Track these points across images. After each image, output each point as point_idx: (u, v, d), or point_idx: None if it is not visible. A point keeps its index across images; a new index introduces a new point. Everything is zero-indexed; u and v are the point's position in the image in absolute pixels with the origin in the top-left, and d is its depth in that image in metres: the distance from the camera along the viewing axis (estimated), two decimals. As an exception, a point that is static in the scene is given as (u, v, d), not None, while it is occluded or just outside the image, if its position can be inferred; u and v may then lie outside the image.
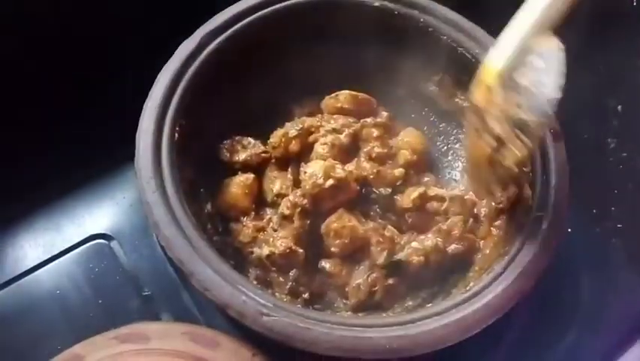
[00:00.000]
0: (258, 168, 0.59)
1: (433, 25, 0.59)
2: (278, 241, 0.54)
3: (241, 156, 0.59)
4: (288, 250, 0.53)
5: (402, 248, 0.55)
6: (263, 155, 0.59)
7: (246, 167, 0.59)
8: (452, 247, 0.55)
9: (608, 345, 0.61)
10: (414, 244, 0.55)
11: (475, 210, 0.58)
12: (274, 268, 0.53)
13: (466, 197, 0.58)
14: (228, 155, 0.59)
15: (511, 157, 0.46)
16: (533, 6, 0.44)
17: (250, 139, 0.60)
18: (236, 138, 0.60)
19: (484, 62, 0.46)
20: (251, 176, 0.58)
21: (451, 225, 0.56)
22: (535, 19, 0.44)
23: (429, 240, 0.55)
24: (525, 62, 0.44)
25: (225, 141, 0.59)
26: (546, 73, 0.43)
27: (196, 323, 0.58)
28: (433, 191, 0.58)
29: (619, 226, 0.65)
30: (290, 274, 0.54)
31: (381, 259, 0.53)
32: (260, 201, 0.59)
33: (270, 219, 0.57)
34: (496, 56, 0.45)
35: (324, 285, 0.55)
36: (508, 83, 0.44)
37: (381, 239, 0.54)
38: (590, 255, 0.65)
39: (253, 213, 0.57)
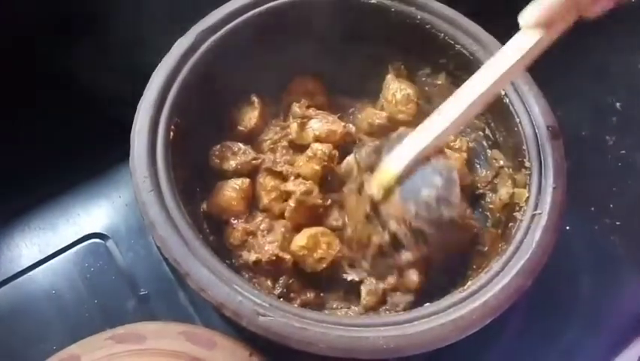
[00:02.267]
0: (248, 175, 0.58)
1: (430, 22, 0.59)
2: (265, 246, 0.53)
3: (231, 164, 0.57)
4: (274, 257, 0.53)
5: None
6: (253, 162, 0.58)
7: (237, 174, 0.58)
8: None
9: (606, 343, 0.61)
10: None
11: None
12: (262, 276, 0.53)
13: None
14: (218, 162, 0.58)
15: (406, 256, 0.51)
16: (434, 122, 0.49)
17: (240, 144, 0.58)
18: (226, 143, 0.58)
19: (383, 166, 0.51)
20: (247, 180, 0.57)
21: None
22: (435, 135, 0.49)
23: None
24: (424, 178, 0.49)
25: (214, 148, 0.58)
26: (445, 190, 0.49)
27: (193, 322, 0.57)
28: None
29: (617, 223, 0.65)
30: (280, 280, 0.53)
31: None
32: (254, 206, 0.58)
33: (260, 223, 0.56)
34: (395, 161, 0.50)
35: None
36: (406, 195, 0.49)
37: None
38: (588, 253, 0.65)
39: (245, 215, 0.57)
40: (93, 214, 0.64)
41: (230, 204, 0.56)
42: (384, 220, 0.51)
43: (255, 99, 0.60)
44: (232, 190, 0.56)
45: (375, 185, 0.51)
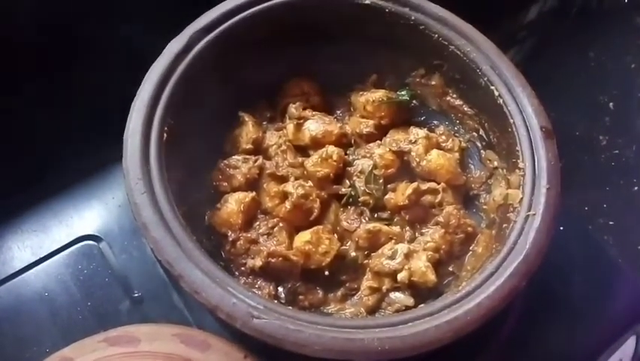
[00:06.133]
0: (254, 183, 0.58)
1: (424, 23, 0.58)
2: (271, 248, 0.53)
3: (239, 179, 0.57)
4: (281, 258, 0.52)
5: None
6: (257, 163, 0.58)
7: (248, 185, 0.57)
8: (456, 237, 0.56)
9: (599, 342, 0.61)
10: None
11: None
12: (265, 281, 0.53)
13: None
14: (225, 184, 0.57)
15: None
16: None
17: (236, 157, 0.59)
18: (222, 163, 0.58)
19: None
20: (250, 194, 0.56)
21: (446, 216, 0.56)
22: None
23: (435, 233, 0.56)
24: None
25: (214, 174, 0.58)
26: None
27: (187, 324, 0.57)
28: (426, 185, 0.58)
29: (611, 223, 0.65)
30: (287, 285, 0.53)
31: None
32: (254, 217, 0.57)
33: (259, 227, 0.56)
34: None
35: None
36: None
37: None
38: (582, 252, 0.65)
39: (242, 231, 0.56)
40: (86, 216, 0.63)
41: (229, 217, 0.55)
42: None
43: (242, 116, 0.61)
44: (234, 203, 0.55)
45: None
